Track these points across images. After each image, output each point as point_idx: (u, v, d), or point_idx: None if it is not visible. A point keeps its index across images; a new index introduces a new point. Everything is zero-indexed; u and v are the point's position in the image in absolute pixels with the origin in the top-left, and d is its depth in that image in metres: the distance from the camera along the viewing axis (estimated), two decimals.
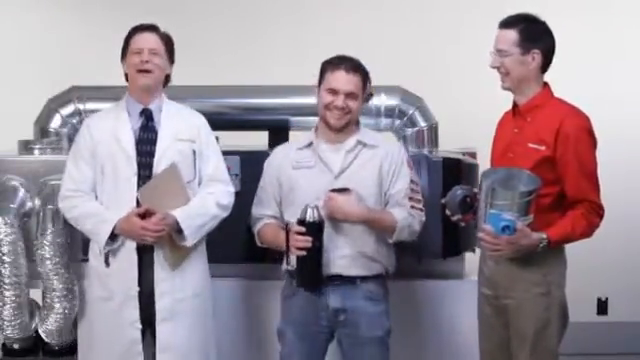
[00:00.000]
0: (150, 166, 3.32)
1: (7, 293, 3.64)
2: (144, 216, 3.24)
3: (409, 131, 4.09)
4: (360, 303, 3.30)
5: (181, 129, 3.38)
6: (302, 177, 3.32)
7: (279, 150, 3.49)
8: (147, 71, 3.33)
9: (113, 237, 3.29)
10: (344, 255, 3.27)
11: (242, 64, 5.13)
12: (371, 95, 3.97)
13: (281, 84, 4.10)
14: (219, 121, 4.08)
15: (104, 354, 3.37)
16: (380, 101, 4.04)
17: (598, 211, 3.12)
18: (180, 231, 3.28)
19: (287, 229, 3.23)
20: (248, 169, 3.82)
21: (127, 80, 3.44)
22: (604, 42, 5.22)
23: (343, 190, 3.22)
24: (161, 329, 3.30)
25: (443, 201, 3.31)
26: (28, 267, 3.69)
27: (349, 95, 3.28)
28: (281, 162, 3.40)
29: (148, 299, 3.30)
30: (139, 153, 3.33)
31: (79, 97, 4.09)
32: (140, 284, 3.30)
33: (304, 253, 3.18)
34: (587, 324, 5.21)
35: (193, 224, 3.31)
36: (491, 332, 3.29)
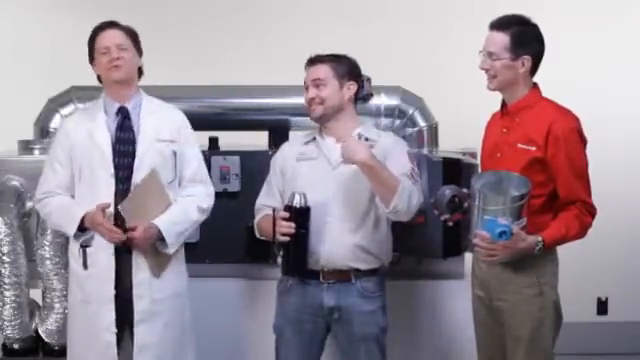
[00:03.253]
0: (130, 167, 3.25)
1: (7, 293, 3.64)
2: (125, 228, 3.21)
3: (409, 131, 4.09)
4: (354, 301, 3.31)
5: (161, 128, 3.32)
6: (304, 167, 3.36)
7: (285, 145, 3.53)
8: (118, 66, 3.27)
9: (83, 230, 3.23)
10: (341, 245, 3.27)
11: (242, 64, 5.13)
12: (371, 95, 3.98)
13: (281, 84, 4.10)
14: (219, 121, 4.10)
15: (81, 358, 3.31)
16: (380, 101, 4.03)
17: (590, 211, 3.12)
18: (162, 239, 3.26)
19: (274, 216, 3.25)
20: (248, 169, 3.83)
21: (100, 82, 3.38)
22: (600, 42, 5.22)
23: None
24: (139, 330, 3.27)
25: (431, 201, 3.31)
26: (28, 267, 3.69)
27: (315, 83, 3.32)
28: (286, 155, 3.44)
29: (126, 301, 3.26)
30: (117, 154, 3.26)
31: (79, 97, 4.09)
32: (118, 287, 3.25)
33: (288, 239, 3.20)
34: (587, 324, 5.21)
35: (175, 232, 3.28)
36: (487, 332, 3.29)
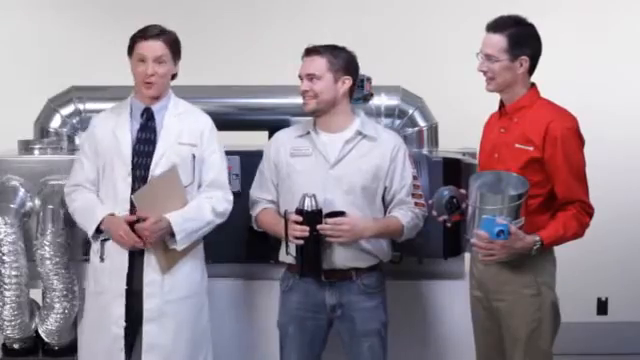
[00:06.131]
0: (147, 167, 3.32)
1: (7, 293, 3.64)
2: (137, 220, 3.26)
3: (409, 131, 4.09)
4: (356, 298, 3.33)
5: (183, 132, 3.38)
6: (299, 164, 3.34)
7: (279, 135, 3.50)
8: (150, 83, 3.33)
9: (100, 231, 3.35)
10: (340, 248, 3.27)
11: (242, 64, 5.13)
12: (371, 95, 3.99)
13: (281, 84, 4.10)
14: (219, 121, 4.07)
15: (90, 348, 3.41)
16: (380, 101, 4.04)
17: (588, 210, 3.13)
18: (173, 234, 3.28)
19: (285, 218, 3.24)
20: (248, 169, 3.82)
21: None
22: (601, 42, 5.22)
23: (338, 213, 3.23)
24: (147, 329, 3.32)
25: (429, 202, 3.31)
26: (28, 267, 3.69)
27: (309, 77, 3.30)
28: (280, 147, 3.42)
29: (139, 298, 3.31)
30: (137, 153, 3.33)
31: (79, 97, 4.09)
32: (131, 283, 3.31)
33: (302, 242, 3.21)
34: (587, 324, 5.22)
35: (186, 229, 3.30)
36: (485, 333, 3.30)
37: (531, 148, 3.09)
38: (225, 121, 4.10)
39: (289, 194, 3.33)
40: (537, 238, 3.05)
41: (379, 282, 3.38)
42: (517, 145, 3.12)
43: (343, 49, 3.36)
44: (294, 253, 3.28)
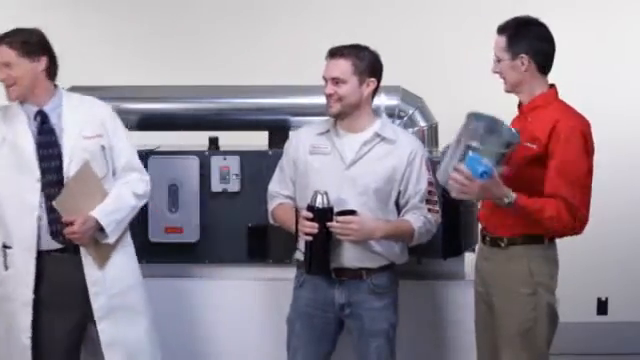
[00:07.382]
0: (58, 170, 3.25)
1: None
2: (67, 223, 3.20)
3: (409, 131, 4.09)
4: (365, 297, 3.32)
5: (85, 125, 3.30)
6: (317, 162, 3.33)
7: (300, 132, 3.49)
8: (8, 87, 3.24)
9: None
10: (349, 248, 3.27)
11: (242, 64, 5.12)
12: None
13: (281, 84, 4.10)
14: (219, 121, 4.09)
15: (3, 353, 3.35)
16: (380, 101, 4.02)
17: (573, 212, 3.04)
18: (102, 229, 3.25)
19: (297, 214, 3.25)
20: (248, 169, 3.83)
21: None
22: (603, 42, 5.22)
23: (349, 212, 3.22)
24: (102, 327, 3.30)
25: (439, 179, 3.23)
26: None
27: (334, 80, 3.27)
28: (299, 145, 3.40)
29: (81, 297, 3.27)
30: (42, 158, 3.24)
31: None
32: (71, 285, 3.27)
33: (311, 239, 3.21)
34: (587, 324, 5.21)
35: (113, 220, 3.27)
36: (486, 330, 3.29)
37: (535, 146, 3.08)
38: (225, 121, 4.11)
39: (306, 191, 3.31)
40: (513, 195, 3.02)
41: (390, 282, 3.38)
42: (525, 143, 3.11)
43: (367, 49, 3.32)
44: (303, 249, 3.28)
